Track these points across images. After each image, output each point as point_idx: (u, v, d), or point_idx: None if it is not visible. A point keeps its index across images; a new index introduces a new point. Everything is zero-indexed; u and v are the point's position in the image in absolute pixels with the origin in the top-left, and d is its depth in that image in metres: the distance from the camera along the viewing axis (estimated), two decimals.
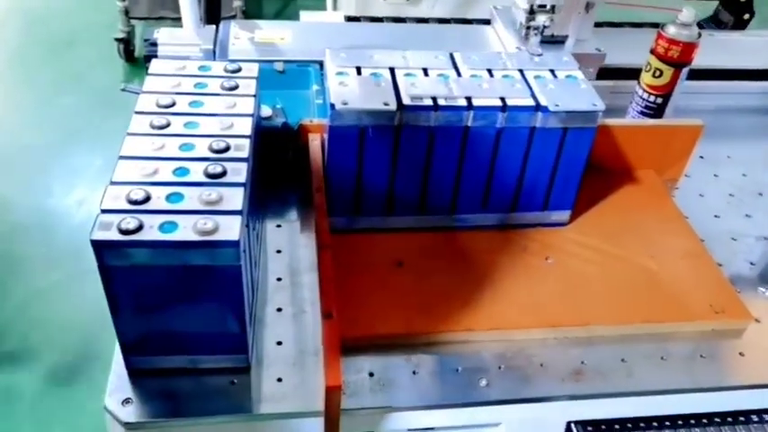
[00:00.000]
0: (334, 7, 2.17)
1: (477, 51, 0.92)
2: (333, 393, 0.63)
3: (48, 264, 2.05)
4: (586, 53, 1.19)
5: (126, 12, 2.79)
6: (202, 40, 1.14)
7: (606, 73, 1.21)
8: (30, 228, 2.17)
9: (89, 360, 1.80)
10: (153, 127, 0.74)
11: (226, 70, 0.84)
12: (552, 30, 1.17)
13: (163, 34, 1.13)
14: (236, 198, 0.66)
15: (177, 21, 2.82)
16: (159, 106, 0.77)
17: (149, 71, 0.82)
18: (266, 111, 0.99)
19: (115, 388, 0.71)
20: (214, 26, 1.19)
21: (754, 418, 0.80)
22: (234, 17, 2.77)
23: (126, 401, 0.70)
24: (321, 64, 1.07)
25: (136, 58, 2.93)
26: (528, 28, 1.13)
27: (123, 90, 0.99)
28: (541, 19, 1.11)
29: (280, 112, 1.01)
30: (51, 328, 1.88)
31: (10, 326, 1.88)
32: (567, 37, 1.20)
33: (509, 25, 1.24)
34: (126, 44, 2.85)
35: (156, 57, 1.11)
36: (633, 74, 1.13)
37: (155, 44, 1.11)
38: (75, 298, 1.96)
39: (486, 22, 1.34)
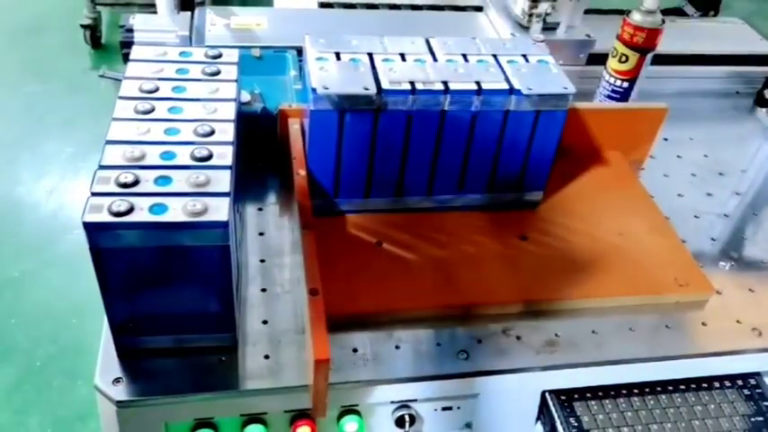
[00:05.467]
0: None
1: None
2: (321, 366, 0.66)
3: (18, 253, 2.04)
4: (577, 39, 1.22)
5: None
6: (178, 26, 1.15)
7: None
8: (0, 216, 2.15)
9: (63, 348, 1.80)
10: (137, 112, 0.75)
11: (207, 56, 0.85)
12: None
13: (138, 20, 1.13)
14: (223, 180, 0.68)
15: (144, 7, 2.79)
16: (143, 91, 0.78)
17: (131, 57, 0.83)
18: (245, 96, 1.01)
19: (105, 368, 0.73)
20: (189, 12, 1.20)
21: (716, 384, 0.85)
22: (203, 3, 2.75)
23: (116, 381, 0.72)
24: (298, 50, 1.09)
25: (102, 44, 2.90)
26: (530, 15, 1.16)
27: (102, 76, 0.99)
28: (544, 7, 1.15)
29: (258, 98, 1.03)
30: (24, 316, 1.87)
31: None
32: (559, 24, 1.23)
33: (502, 11, 1.27)
34: (92, 30, 2.81)
35: (132, 43, 1.11)
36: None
37: (131, 30, 1.11)
38: (47, 287, 1.95)
39: (479, 8, 1.37)
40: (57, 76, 2.73)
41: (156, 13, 1.19)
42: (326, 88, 0.81)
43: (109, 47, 2.90)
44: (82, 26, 2.78)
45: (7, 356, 1.77)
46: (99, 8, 2.82)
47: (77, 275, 1.94)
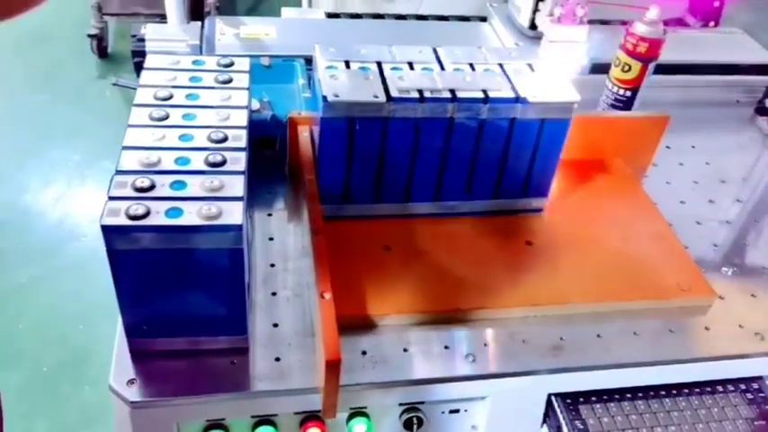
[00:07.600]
0: (309, 4, 2.21)
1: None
2: (333, 367, 0.67)
3: (26, 259, 2.05)
4: None
5: (99, 8, 2.78)
6: (189, 35, 1.17)
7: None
8: (7, 223, 2.17)
9: (70, 354, 1.82)
10: (152, 119, 0.77)
11: (219, 64, 0.87)
12: None
13: (150, 30, 1.15)
14: (236, 185, 0.70)
15: (150, 17, 2.82)
16: (157, 99, 0.80)
17: (145, 65, 0.85)
18: (254, 104, 1.03)
19: (119, 369, 0.74)
20: (199, 22, 1.22)
21: (719, 388, 0.86)
22: (209, 14, 2.77)
23: (130, 382, 0.73)
24: (306, 59, 1.11)
25: (109, 54, 2.92)
26: None
27: (115, 84, 1.01)
28: None
29: (267, 105, 1.05)
30: (32, 322, 1.89)
31: None
32: None
33: (506, 21, 1.28)
34: (99, 40, 2.84)
35: (143, 52, 1.13)
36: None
37: (142, 39, 1.13)
38: (54, 293, 1.96)
39: (483, 19, 1.39)
40: (63, 84, 2.76)
41: (165, 22, 1.21)
42: (337, 96, 0.82)
43: (115, 56, 2.93)
44: (89, 36, 2.81)
45: (15, 361, 1.79)
46: (106, 18, 2.85)
47: (84, 282, 1.95)
